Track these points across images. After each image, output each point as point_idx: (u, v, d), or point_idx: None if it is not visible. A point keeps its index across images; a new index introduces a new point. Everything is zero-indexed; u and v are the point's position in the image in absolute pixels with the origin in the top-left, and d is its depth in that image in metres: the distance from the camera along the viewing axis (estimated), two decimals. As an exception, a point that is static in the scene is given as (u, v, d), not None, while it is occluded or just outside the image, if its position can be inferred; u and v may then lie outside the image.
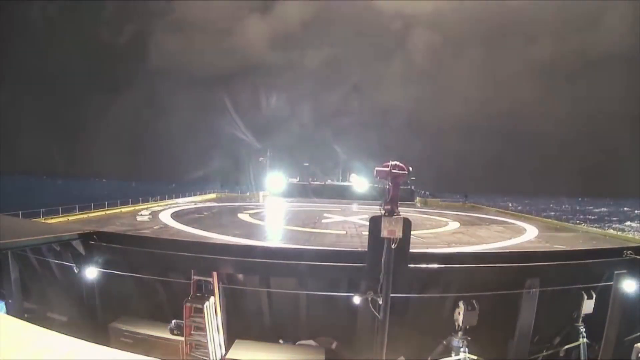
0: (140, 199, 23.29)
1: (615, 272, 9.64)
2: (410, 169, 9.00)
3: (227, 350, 9.77)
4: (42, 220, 14.92)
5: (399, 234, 8.74)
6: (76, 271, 10.12)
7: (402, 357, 9.64)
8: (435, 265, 9.95)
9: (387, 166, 8.87)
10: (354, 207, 27.35)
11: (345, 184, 36.93)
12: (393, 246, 8.83)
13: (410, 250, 9.29)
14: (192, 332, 9.64)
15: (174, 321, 9.93)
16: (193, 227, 15.44)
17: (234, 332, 10.14)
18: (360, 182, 35.52)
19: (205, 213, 21.45)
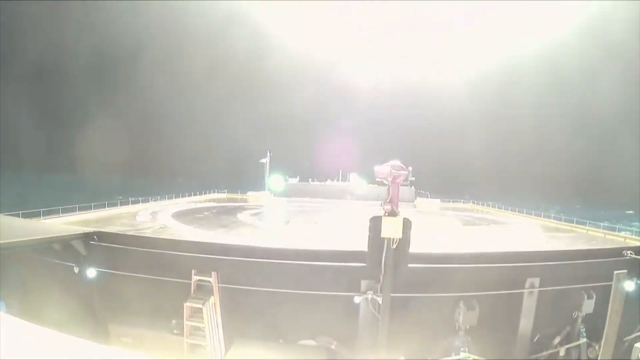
0: (141, 199, 23.28)
1: (615, 272, 9.63)
2: (410, 168, 9.00)
3: (227, 349, 9.77)
4: (42, 220, 14.91)
5: (399, 234, 8.75)
6: (76, 271, 10.13)
7: (402, 357, 9.63)
8: (436, 265, 9.95)
9: (387, 166, 8.87)
10: (354, 207, 27.35)
11: (346, 183, 36.91)
12: (393, 246, 8.84)
13: (410, 250, 9.30)
14: (192, 331, 9.65)
15: (174, 321, 9.93)
16: (193, 227, 15.44)
17: (234, 332, 10.13)
18: (360, 182, 35.51)
19: (205, 213, 21.46)
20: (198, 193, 31.89)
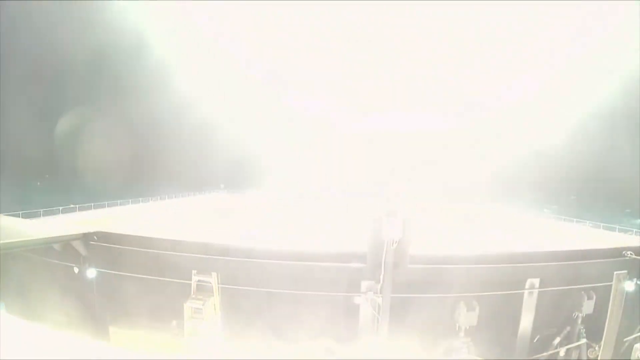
0: (141, 199, 23.31)
1: (615, 272, 9.63)
2: (411, 169, 9.01)
3: (227, 349, 9.77)
4: (42, 220, 14.91)
5: (399, 234, 8.76)
6: (76, 271, 10.13)
7: (402, 357, 9.64)
8: (436, 266, 9.95)
9: (388, 166, 8.87)
10: (355, 206, 27.35)
11: (346, 183, 36.90)
12: (393, 246, 8.85)
13: (410, 251, 9.31)
14: (192, 332, 9.64)
15: (174, 321, 9.93)
16: (193, 227, 15.45)
17: (234, 332, 10.13)
18: (361, 181, 35.52)
19: (205, 213, 21.47)
20: (198, 193, 31.96)
